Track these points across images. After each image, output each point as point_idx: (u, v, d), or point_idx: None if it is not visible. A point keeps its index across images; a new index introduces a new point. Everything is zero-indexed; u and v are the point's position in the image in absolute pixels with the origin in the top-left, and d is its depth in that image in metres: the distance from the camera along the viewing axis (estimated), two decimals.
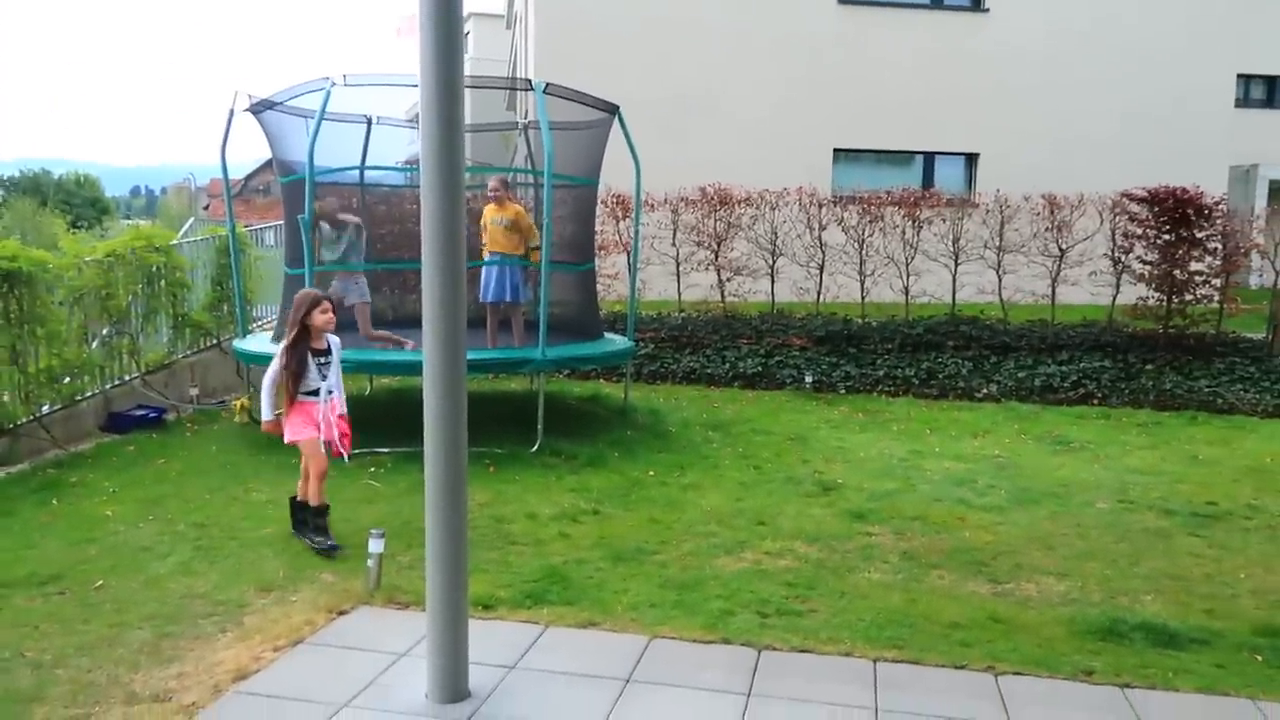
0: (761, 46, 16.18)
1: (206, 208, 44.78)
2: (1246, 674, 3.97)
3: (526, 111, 15.59)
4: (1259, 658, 4.13)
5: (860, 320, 11.71)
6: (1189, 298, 11.25)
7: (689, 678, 3.79)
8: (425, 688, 3.58)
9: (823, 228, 12.13)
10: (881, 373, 10.71)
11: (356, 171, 9.30)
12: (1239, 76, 18.25)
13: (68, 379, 7.62)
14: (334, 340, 5.32)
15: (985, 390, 10.32)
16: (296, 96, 7.85)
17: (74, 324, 7.77)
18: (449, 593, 3.54)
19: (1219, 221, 11.41)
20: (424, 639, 3.68)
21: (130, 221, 45.52)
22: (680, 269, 12.36)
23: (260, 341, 8.45)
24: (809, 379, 10.52)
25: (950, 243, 12.13)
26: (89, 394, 7.96)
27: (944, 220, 12.20)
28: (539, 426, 7.40)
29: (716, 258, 12.21)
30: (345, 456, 5.27)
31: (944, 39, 16.78)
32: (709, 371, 10.80)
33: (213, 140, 8.43)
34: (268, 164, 14.80)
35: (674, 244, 12.29)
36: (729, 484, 6.76)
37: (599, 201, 10.37)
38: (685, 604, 4.50)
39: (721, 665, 3.90)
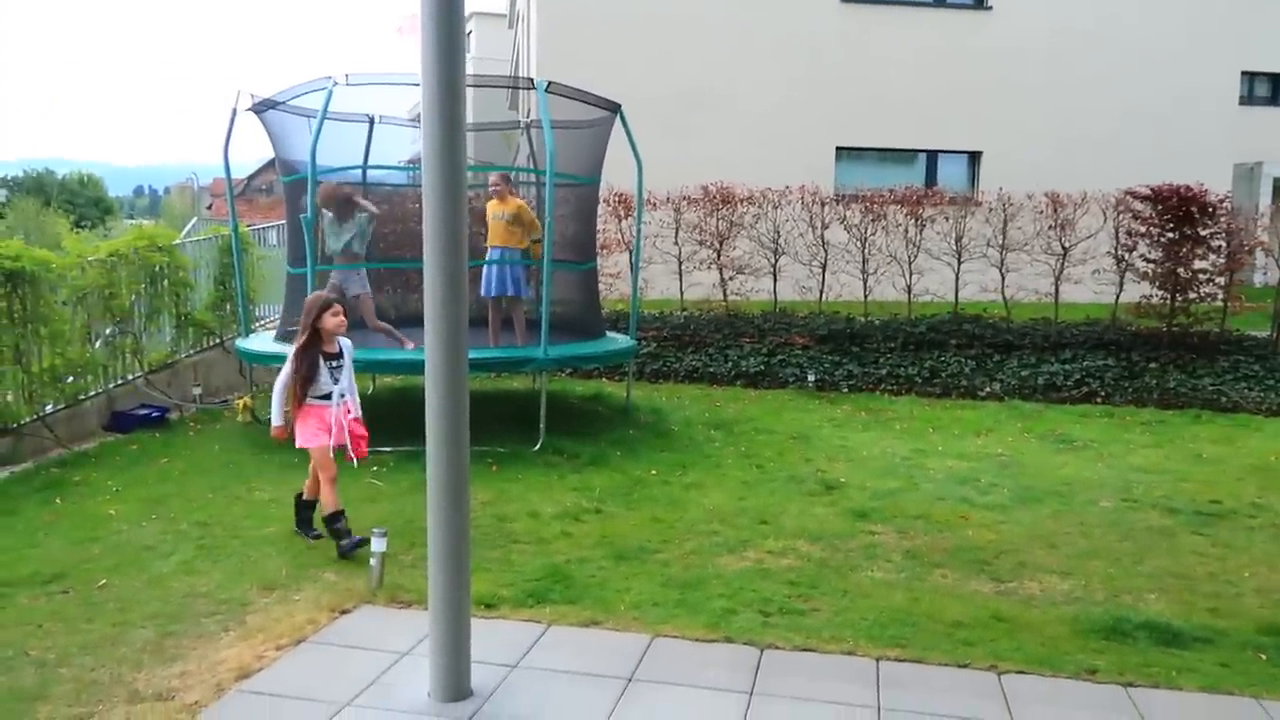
0: (764, 44, 16.17)
1: (209, 207, 44.87)
2: (1250, 673, 3.96)
3: (529, 110, 15.61)
4: (1263, 656, 4.12)
5: (863, 319, 11.69)
6: (1193, 296, 11.21)
7: (691, 677, 3.79)
8: (427, 686, 3.58)
9: (825, 226, 12.12)
10: (884, 371, 10.70)
11: (359, 171, 9.31)
12: (1243, 74, 18.20)
13: (71, 378, 7.64)
14: (346, 343, 5.25)
15: (988, 389, 10.31)
16: (299, 96, 7.85)
17: (77, 323, 7.79)
18: (451, 591, 3.54)
19: (1223, 219, 11.38)
20: (426, 638, 3.68)
21: (134, 221, 45.62)
22: (682, 268, 12.35)
23: (263, 341, 8.46)
24: (812, 378, 10.51)
25: (953, 241, 12.11)
26: (92, 393, 7.98)
27: (947, 218, 12.18)
28: (541, 425, 7.40)
29: (719, 256, 12.20)
30: (354, 462, 5.18)
31: (947, 37, 16.76)
32: (711, 370, 10.80)
33: (215, 140, 8.44)
34: (270, 163, 14.84)
35: (676, 243, 12.29)
36: (731, 483, 6.75)
37: (601, 200, 10.37)
38: (688, 603, 4.50)
39: (724, 664, 3.90)
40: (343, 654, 3.93)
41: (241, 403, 8.24)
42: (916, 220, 12.02)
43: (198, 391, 9.06)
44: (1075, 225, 12.06)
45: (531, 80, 7.90)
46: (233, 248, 8.92)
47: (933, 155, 17.35)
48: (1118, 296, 11.90)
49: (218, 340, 9.88)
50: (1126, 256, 11.73)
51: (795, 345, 11.20)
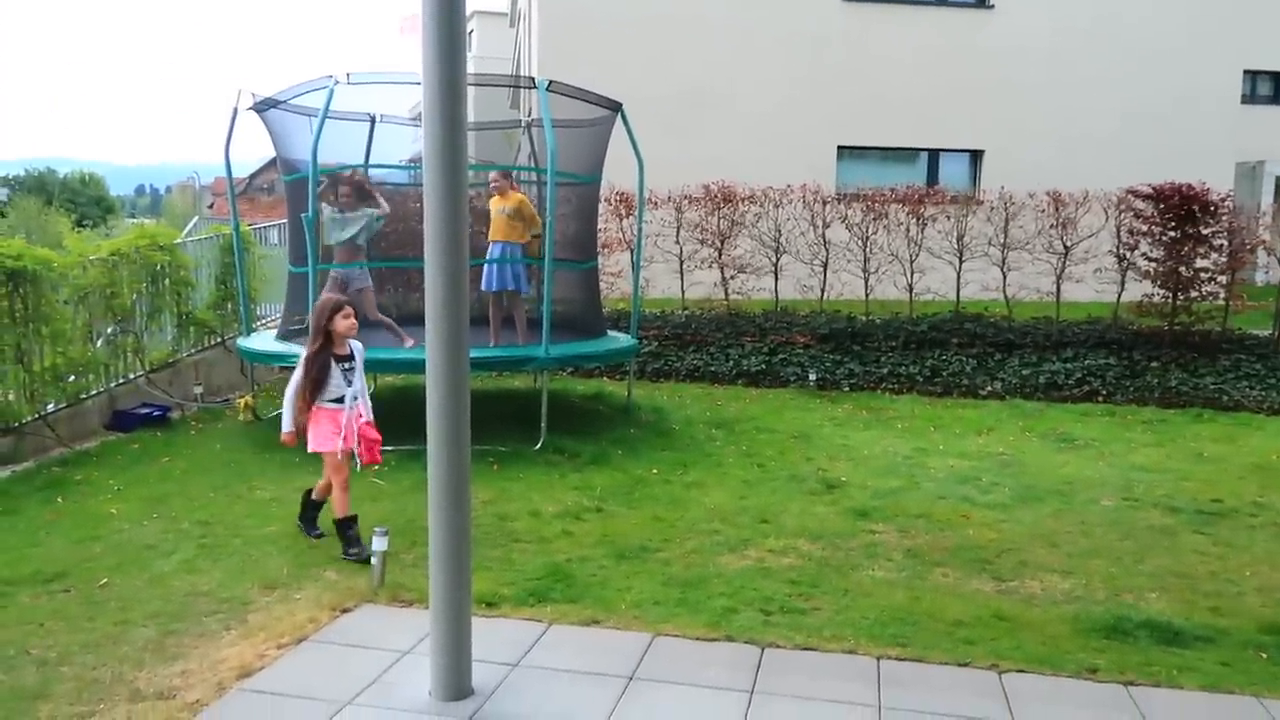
0: (765, 43, 16.17)
1: (211, 206, 44.87)
2: (1251, 672, 3.96)
3: (530, 109, 15.60)
4: (1264, 655, 4.12)
5: (864, 318, 11.69)
6: (1194, 295, 11.20)
7: (692, 675, 3.79)
8: (428, 685, 3.59)
9: (826, 225, 12.11)
10: (885, 370, 10.69)
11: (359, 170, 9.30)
12: (1245, 72, 18.20)
13: (72, 377, 7.64)
14: (356, 345, 5.19)
15: (989, 388, 10.30)
16: (300, 95, 7.85)
17: (79, 322, 7.79)
18: (452, 590, 3.55)
19: (1225, 218, 11.36)
20: (427, 637, 3.68)
21: (135, 220, 45.68)
22: (684, 266, 12.35)
23: (264, 339, 8.46)
24: (813, 377, 10.50)
25: (955, 240, 12.11)
26: (94, 392, 7.98)
27: (948, 217, 12.18)
28: (542, 424, 7.40)
29: (720, 255, 12.19)
30: (359, 464, 5.14)
31: (948, 36, 16.75)
32: (712, 369, 10.79)
33: (216, 139, 8.44)
34: (271, 163, 14.85)
35: (677, 241, 12.28)
36: (732, 482, 6.76)
37: (602, 199, 10.37)
38: (688, 602, 4.50)
39: (725, 663, 3.90)
40: (344, 653, 3.94)
41: (243, 402, 8.25)
42: (918, 219, 12.02)
43: (199, 390, 9.07)
44: (1077, 224, 12.06)
45: (533, 79, 7.90)
46: (234, 247, 8.93)
47: (934, 154, 17.34)
48: (1119, 295, 11.90)
49: (219, 339, 9.89)
50: (1128, 255, 11.72)
51: (796, 344, 11.19)
